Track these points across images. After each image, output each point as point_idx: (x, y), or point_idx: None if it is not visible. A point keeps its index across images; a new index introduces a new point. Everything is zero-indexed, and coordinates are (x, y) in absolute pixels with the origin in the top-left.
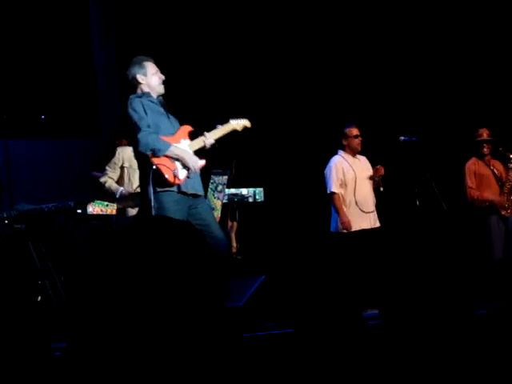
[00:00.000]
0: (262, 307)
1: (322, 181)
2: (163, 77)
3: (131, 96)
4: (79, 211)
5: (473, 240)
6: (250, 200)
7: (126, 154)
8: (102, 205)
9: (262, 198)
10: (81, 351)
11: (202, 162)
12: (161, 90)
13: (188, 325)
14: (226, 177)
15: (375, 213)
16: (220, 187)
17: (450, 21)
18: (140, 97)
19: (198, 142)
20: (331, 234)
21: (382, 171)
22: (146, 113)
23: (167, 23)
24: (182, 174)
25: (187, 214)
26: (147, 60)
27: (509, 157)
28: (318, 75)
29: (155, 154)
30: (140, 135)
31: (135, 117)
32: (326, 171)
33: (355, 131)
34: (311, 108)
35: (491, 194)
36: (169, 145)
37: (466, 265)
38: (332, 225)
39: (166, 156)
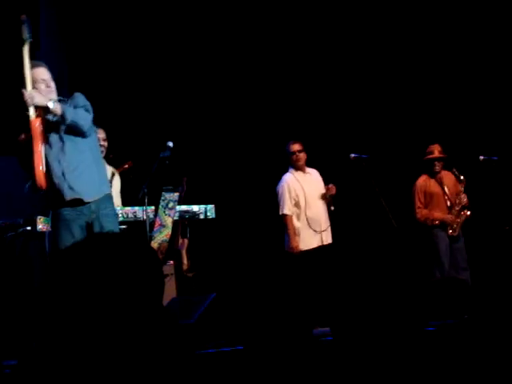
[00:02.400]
0: (213, 324)
1: (273, 198)
2: (43, 87)
3: None
4: (28, 228)
5: (422, 257)
6: (201, 217)
7: None
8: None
9: (214, 215)
10: (31, 368)
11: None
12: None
13: (137, 341)
14: (177, 194)
15: (328, 231)
16: (171, 204)
17: (402, 41)
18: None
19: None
20: (285, 252)
21: (334, 190)
22: None
23: (118, 40)
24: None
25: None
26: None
27: (460, 179)
28: (270, 91)
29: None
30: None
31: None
32: (278, 190)
33: (295, 147)
34: (262, 125)
35: (441, 213)
36: None
37: (415, 282)
38: (286, 243)
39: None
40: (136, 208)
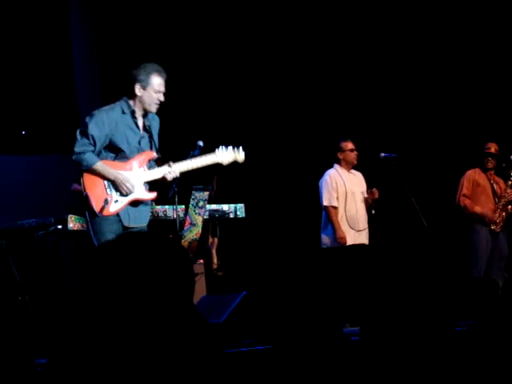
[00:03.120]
0: (243, 323)
1: (303, 197)
2: (162, 99)
3: (111, 108)
4: (59, 227)
5: (458, 253)
6: (231, 216)
7: None
8: (83, 221)
9: (243, 214)
10: (62, 367)
11: (151, 195)
12: (151, 109)
13: (168, 339)
14: (207, 193)
15: (366, 232)
16: (201, 203)
17: (433, 36)
18: (123, 112)
19: (156, 173)
20: (322, 249)
21: (376, 195)
22: (110, 131)
23: (153, 39)
24: (115, 206)
25: None
26: (158, 75)
27: (510, 174)
28: (296, 92)
29: (82, 165)
30: (79, 142)
31: (91, 127)
32: (321, 183)
33: (350, 145)
34: (292, 124)
35: (482, 207)
36: (96, 159)
37: (446, 281)
38: (323, 239)
39: (103, 180)
40: (166, 207)
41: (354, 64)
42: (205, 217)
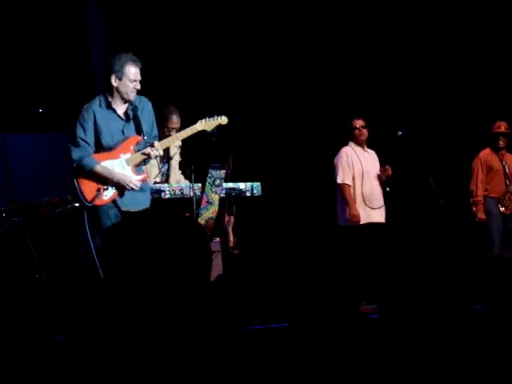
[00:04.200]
0: (259, 301)
1: (319, 175)
2: (138, 87)
3: (89, 104)
4: (76, 204)
5: (471, 235)
6: (248, 194)
7: None
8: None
9: (260, 193)
10: (78, 345)
11: (141, 176)
12: (129, 98)
13: (186, 317)
14: (223, 171)
15: (383, 209)
16: (218, 181)
17: (451, 16)
18: (100, 105)
19: (139, 156)
20: (339, 227)
21: (390, 172)
22: (94, 124)
23: (167, 27)
24: (107, 194)
25: None
26: (133, 64)
27: None
28: (315, 70)
29: (85, 170)
30: (73, 150)
31: (78, 131)
32: (336, 160)
33: (358, 123)
34: (307, 102)
35: (496, 190)
36: (94, 163)
37: (464, 260)
38: (340, 218)
39: (104, 179)
40: (183, 185)
41: (373, 42)
42: (221, 195)
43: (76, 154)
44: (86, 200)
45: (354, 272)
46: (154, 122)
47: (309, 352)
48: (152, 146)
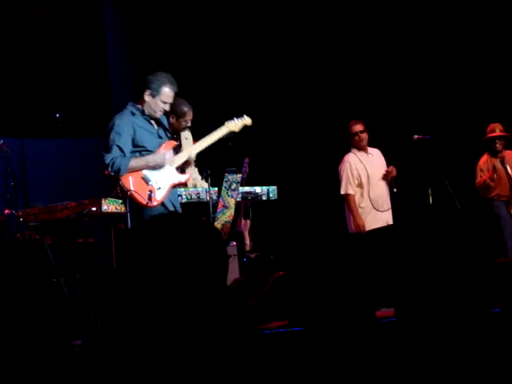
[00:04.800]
0: (275, 305)
1: (335, 178)
2: (167, 108)
3: (122, 113)
4: (93, 209)
5: (486, 237)
6: (264, 198)
7: None
8: (117, 203)
9: (276, 196)
10: (95, 349)
11: (185, 177)
12: (156, 116)
13: (205, 322)
14: (239, 175)
15: (390, 211)
16: (234, 185)
17: (463, 18)
18: (133, 114)
19: (182, 157)
20: (349, 234)
21: (394, 172)
22: (133, 132)
23: (182, 35)
24: (160, 194)
25: None
26: (169, 87)
27: None
28: (332, 72)
29: (121, 170)
30: (106, 156)
31: (112, 138)
32: (340, 170)
33: (357, 127)
34: (325, 105)
35: (501, 190)
36: (127, 159)
37: (480, 263)
38: (349, 224)
39: (139, 174)
40: (199, 189)
41: (388, 45)
42: (238, 199)
43: (108, 158)
44: (143, 204)
45: (369, 277)
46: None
47: (323, 357)
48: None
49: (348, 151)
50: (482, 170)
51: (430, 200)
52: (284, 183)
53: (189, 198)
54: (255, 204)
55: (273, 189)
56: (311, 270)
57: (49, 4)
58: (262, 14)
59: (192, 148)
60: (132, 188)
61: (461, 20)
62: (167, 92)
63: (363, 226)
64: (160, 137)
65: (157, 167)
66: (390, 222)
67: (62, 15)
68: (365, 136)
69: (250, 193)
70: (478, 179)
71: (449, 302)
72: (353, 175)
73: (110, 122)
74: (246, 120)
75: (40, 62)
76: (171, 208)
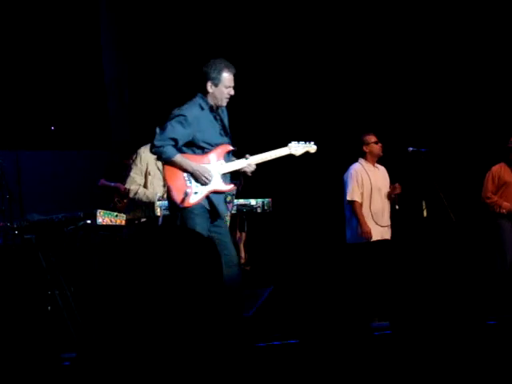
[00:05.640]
0: (271, 317)
1: (329, 192)
2: (232, 93)
3: (191, 104)
4: (88, 221)
5: (483, 249)
6: (259, 210)
7: (149, 159)
8: (112, 215)
9: (271, 209)
10: (90, 361)
11: (229, 187)
12: (223, 103)
13: (198, 333)
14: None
15: (389, 229)
16: (229, 197)
17: (460, 30)
18: (202, 108)
19: (234, 165)
20: (347, 244)
21: (399, 190)
22: (192, 130)
23: (178, 40)
24: (194, 198)
25: (208, 228)
26: (228, 71)
27: None
28: (325, 86)
29: (162, 157)
30: (158, 137)
31: (173, 126)
32: (346, 178)
33: (374, 138)
34: (318, 118)
35: (509, 203)
36: (175, 153)
37: (475, 275)
38: (348, 235)
39: (182, 172)
40: None
41: (383, 57)
42: (232, 211)
43: (159, 141)
44: (176, 202)
45: (363, 289)
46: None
47: (319, 368)
48: (245, 158)
49: (344, 164)
50: (494, 178)
51: (425, 213)
52: (279, 196)
53: None
54: (250, 216)
55: (267, 201)
56: (306, 282)
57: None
58: (255, 23)
59: (247, 160)
60: (170, 183)
61: (452, 31)
62: (227, 76)
63: (370, 233)
64: (221, 135)
65: (194, 177)
66: (388, 237)
67: (59, 30)
68: (381, 146)
69: (244, 205)
70: (490, 194)
71: (444, 316)
72: (358, 183)
73: (177, 109)
74: (311, 147)
75: (35, 74)
76: (208, 210)
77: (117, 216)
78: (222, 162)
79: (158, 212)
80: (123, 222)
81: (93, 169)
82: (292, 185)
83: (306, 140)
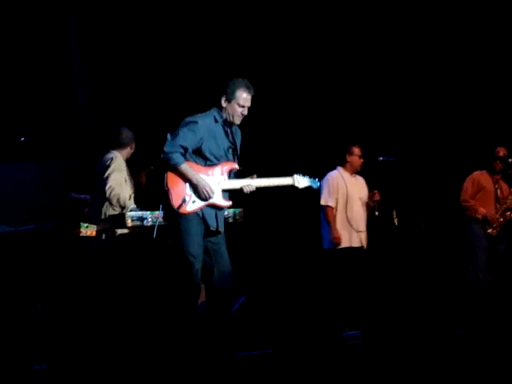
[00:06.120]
0: (243, 327)
1: (301, 202)
2: (245, 113)
3: (206, 115)
4: (58, 233)
5: (456, 255)
6: (230, 221)
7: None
8: (82, 226)
9: (242, 219)
10: (60, 373)
11: (227, 203)
12: (235, 121)
13: (171, 345)
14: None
15: (365, 234)
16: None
17: (437, 38)
18: (216, 120)
19: (235, 184)
20: (324, 250)
21: (378, 197)
22: (202, 138)
23: (147, 61)
24: (191, 206)
25: (202, 234)
26: (244, 90)
27: None
28: (295, 92)
29: (169, 164)
30: (168, 144)
31: (185, 133)
32: (322, 183)
33: (359, 151)
34: (288, 127)
35: (486, 209)
36: (182, 161)
37: (445, 285)
38: (324, 241)
39: (186, 182)
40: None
41: (353, 67)
42: None
43: (169, 148)
44: (173, 206)
45: (336, 297)
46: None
47: (292, 378)
48: (251, 178)
49: (313, 173)
50: (473, 183)
51: (396, 222)
52: (250, 205)
53: (155, 221)
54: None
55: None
56: (279, 292)
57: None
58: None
59: (250, 181)
60: (171, 186)
61: (423, 42)
62: (243, 95)
63: (339, 239)
64: (227, 152)
65: (195, 188)
66: (365, 243)
67: (30, 42)
68: (362, 161)
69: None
70: (468, 198)
71: (413, 324)
72: (333, 188)
73: (190, 117)
74: (315, 184)
75: (5, 85)
76: (213, 229)
77: (87, 227)
78: (226, 177)
79: (129, 223)
80: (94, 233)
81: (63, 180)
82: (263, 194)
83: (312, 176)
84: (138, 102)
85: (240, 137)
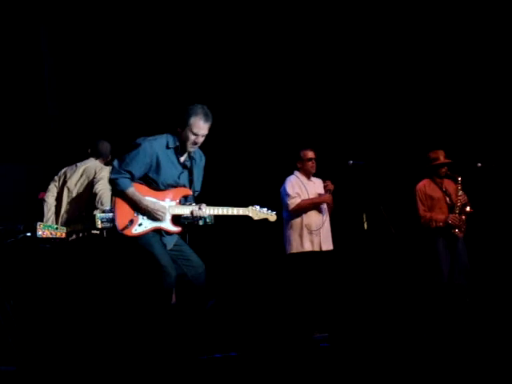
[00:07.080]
0: (212, 330)
1: (272, 203)
2: (198, 141)
3: (156, 140)
4: (28, 234)
5: (421, 262)
6: (200, 223)
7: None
8: (52, 228)
9: (212, 221)
10: (30, 375)
11: (176, 229)
12: (187, 148)
13: (142, 347)
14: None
15: (329, 238)
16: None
17: (397, 46)
18: (167, 146)
19: (185, 209)
20: (287, 255)
21: (331, 186)
22: (154, 163)
23: (118, 74)
24: (138, 229)
25: (161, 241)
26: (199, 118)
27: (457, 179)
28: (264, 96)
29: (116, 189)
30: (114, 170)
31: (131, 157)
32: (282, 190)
33: (310, 154)
34: (258, 131)
35: (443, 215)
36: (129, 186)
37: (413, 287)
38: (287, 246)
39: (133, 205)
40: None
41: (322, 73)
42: None
43: (114, 174)
44: (117, 227)
45: (304, 300)
46: (201, 178)
47: (260, 381)
48: (199, 207)
49: (283, 175)
50: (421, 197)
51: (365, 225)
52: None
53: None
54: (192, 229)
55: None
56: (247, 295)
57: None
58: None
59: (204, 208)
60: (117, 208)
61: (393, 48)
62: (197, 122)
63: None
64: (178, 179)
65: (144, 211)
66: (329, 247)
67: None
68: (314, 163)
69: (186, 218)
70: (423, 213)
71: (382, 326)
72: (294, 190)
73: (141, 139)
74: (271, 216)
75: None
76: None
77: (57, 229)
78: (177, 202)
79: (99, 224)
80: (64, 235)
81: (32, 181)
82: (232, 197)
83: (269, 208)
84: (108, 110)
85: (203, 163)
